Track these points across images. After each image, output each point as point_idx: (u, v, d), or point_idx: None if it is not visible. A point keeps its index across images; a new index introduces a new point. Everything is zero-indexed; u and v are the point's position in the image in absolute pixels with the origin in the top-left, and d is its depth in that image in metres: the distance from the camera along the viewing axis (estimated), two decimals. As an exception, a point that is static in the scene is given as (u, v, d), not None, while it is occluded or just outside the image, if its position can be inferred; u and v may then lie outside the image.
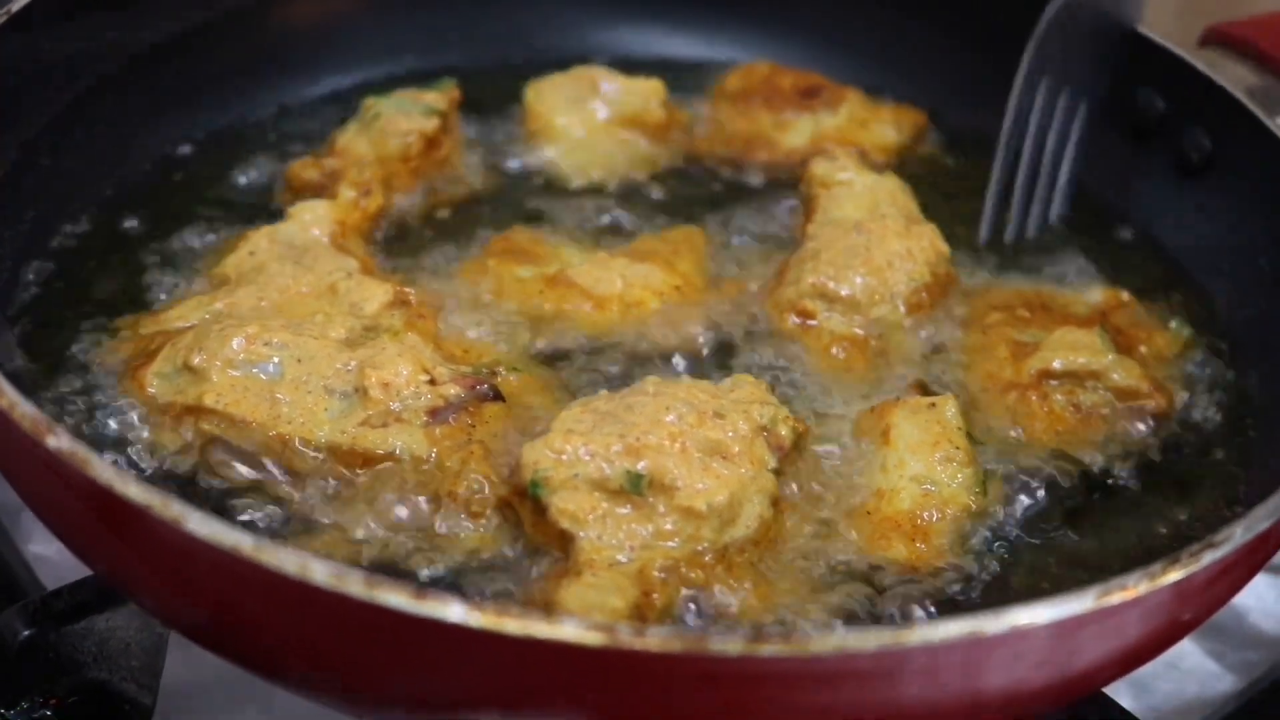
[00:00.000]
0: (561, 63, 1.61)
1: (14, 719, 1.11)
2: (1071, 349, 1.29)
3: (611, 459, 1.10)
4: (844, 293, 1.33)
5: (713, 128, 1.59)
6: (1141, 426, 1.29)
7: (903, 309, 1.34)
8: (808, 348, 1.32)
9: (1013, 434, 1.27)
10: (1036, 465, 1.25)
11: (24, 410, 0.99)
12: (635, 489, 1.10)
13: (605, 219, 1.48)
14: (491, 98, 1.60)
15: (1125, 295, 1.40)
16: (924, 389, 1.28)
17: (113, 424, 1.20)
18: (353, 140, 1.46)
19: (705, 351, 1.33)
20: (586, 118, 1.54)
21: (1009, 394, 1.29)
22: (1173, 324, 1.40)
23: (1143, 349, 1.35)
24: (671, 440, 1.11)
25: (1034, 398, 1.28)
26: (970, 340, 1.35)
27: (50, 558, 1.34)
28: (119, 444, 1.19)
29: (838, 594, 1.13)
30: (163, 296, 1.34)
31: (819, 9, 1.68)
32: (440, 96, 1.51)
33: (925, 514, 1.16)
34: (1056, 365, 1.29)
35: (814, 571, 1.14)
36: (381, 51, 1.63)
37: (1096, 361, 1.29)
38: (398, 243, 1.43)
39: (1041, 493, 1.23)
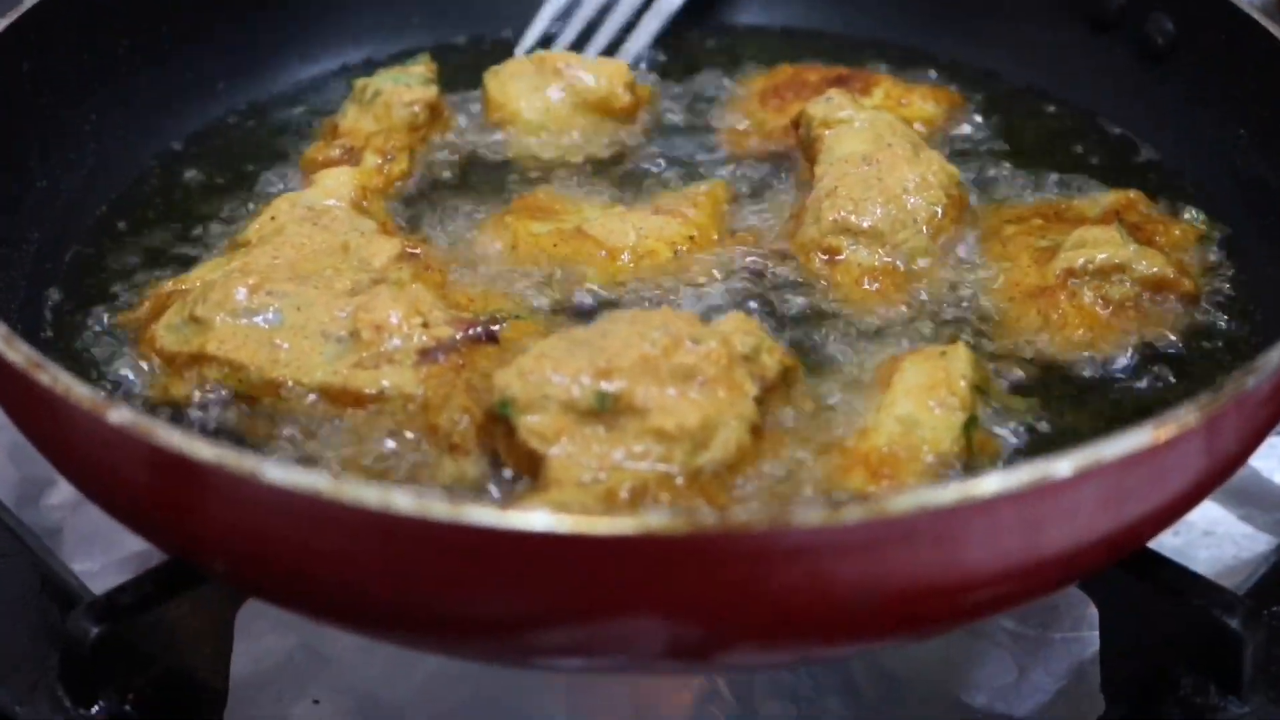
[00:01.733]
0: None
1: (95, 716, 1.11)
2: (1093, 245, 1.31)
3: (581, 380, 1.11)
4: (865, 225, 1.34)
5: (738, 125, 1.58)
6: (1171, 312, 1.31)
7: (925, 232, 1.35)
8: (838, 284, 1.33)
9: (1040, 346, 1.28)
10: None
11: (81, 392, 1.00)
12: (603, 408, 1.10)
13: (617, 181, 1.50)
14: (470, 70, 1.63)
15: (1134, 193, 1.43)
16: (954, 340, 1.27)
17: (127, 378, 1.25)
18: (357, 120, 1.50)
19: (723, 295, 1.34)
20: (548, 104, 1.54)
21: (1038, 298, 1.31)
22: (1187, 214, 1.42)
23: (1160, 240, 1.38)
24: (643, 363, 1.12)
25: (1063, 297, 1.30)
26: (991, 254, 1.37)
27: (95, 573, 1.35)
28: (133, 398, 1.23)
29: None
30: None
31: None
32: (426, 69, 1.55)
33: (896, 451, 1.15)
34: (1080, 263, 1.31)
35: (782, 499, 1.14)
36: (350, 38, 1.67)
37: (1119, 254, 1.31)
38: (415, 205, 1.46)
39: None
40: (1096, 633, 1.20)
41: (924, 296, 1.33)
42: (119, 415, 0.98)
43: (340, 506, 0.92)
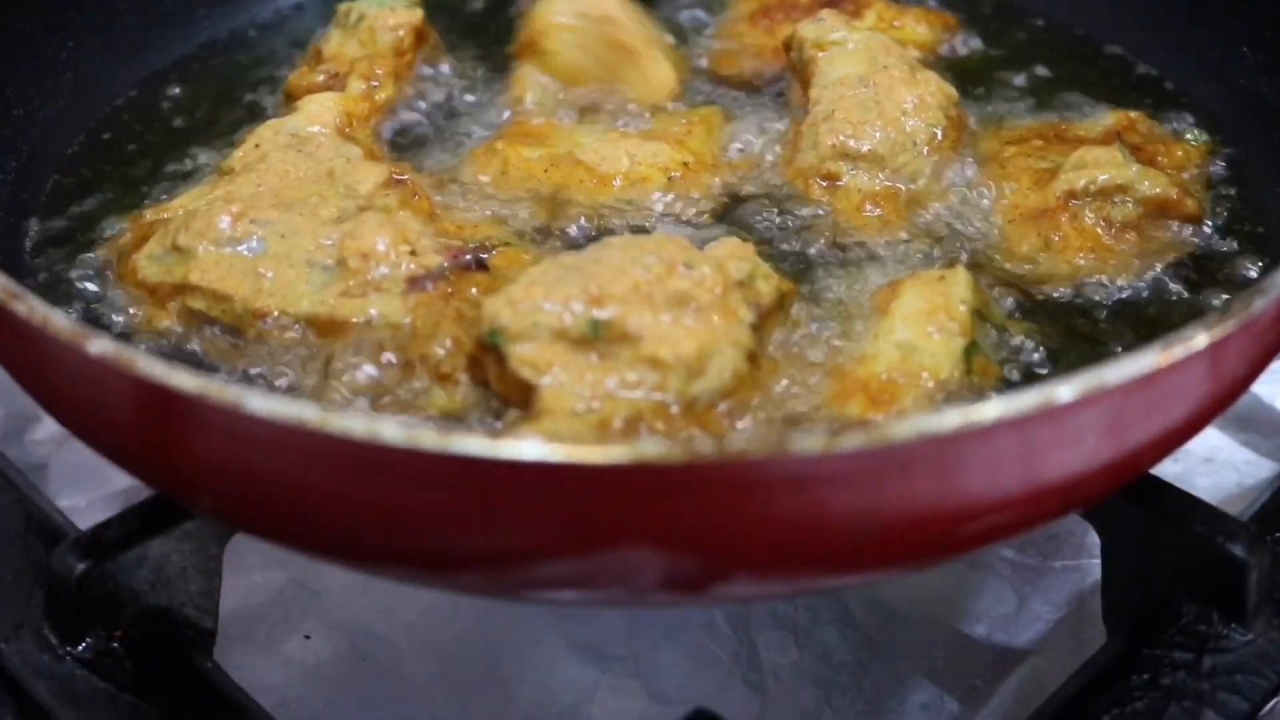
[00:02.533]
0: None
1: (82, 654, 1.09)
2: (1094, 166, 1.29)
3: (572, 307, 1.08)
4: (865, 149, 1.31)
5: (728, 47, 1.54)
6: (1174, 235, 1.29)
7: (925, 155, 1.32)
8: (838, 210, 1.31)
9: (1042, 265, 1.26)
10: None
11: (59, 322, 0.97)
12: (596, 336, 1.08)
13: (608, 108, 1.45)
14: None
15: (1135, 114, 1.40)
16: (953, 264, 1.24)
17: (109, 311, 1.23)
18: (341, 45, 1.47)
19: (717, 221, 1.31)
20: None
21: (1039, 221, 1.28)
22: (1189, 134, 1.39)
23: (1162, 160, 1.34)
24: (636, 290, 1.09)
25: (1064, 219, 1.28)
26: (990, 176, 1.34)
27: (81, 509, 1.33)
28: (116, 331, 1.21)
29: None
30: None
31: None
32: (409, -10, 1.51)
33: (895, 378, 1.13)
34: (1081, 184, 1.28)
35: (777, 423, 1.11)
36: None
37: (1121, 175, 1.28)
38: (402, 131, 1.42)
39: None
40: (1097, 561, 1.19)
41: (923, 220, 1.30)
42: (98, 346, 0.95)
43: (326, 437, 0.90)
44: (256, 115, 1.45)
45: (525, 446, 0.88)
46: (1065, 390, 0.92)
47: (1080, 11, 1.57)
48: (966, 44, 1.54)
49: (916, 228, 1.30)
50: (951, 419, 0.90)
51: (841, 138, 1.32)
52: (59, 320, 0.98)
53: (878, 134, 1.32)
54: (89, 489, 1.36)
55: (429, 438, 0.88)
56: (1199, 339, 0.97)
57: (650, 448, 0.88)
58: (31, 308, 0.99)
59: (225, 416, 0.92)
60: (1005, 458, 0.95)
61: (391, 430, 0.89)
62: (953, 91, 1.36)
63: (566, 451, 0.88)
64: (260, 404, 0.91)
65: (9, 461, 1.29)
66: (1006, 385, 1.16)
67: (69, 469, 1.38)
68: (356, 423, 0.89)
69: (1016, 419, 0.92)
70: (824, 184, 1.32)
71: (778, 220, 1.31)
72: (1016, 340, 1.20)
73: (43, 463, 1.39)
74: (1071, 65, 1.52)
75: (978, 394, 1.14)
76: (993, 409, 0.91)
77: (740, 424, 1.10)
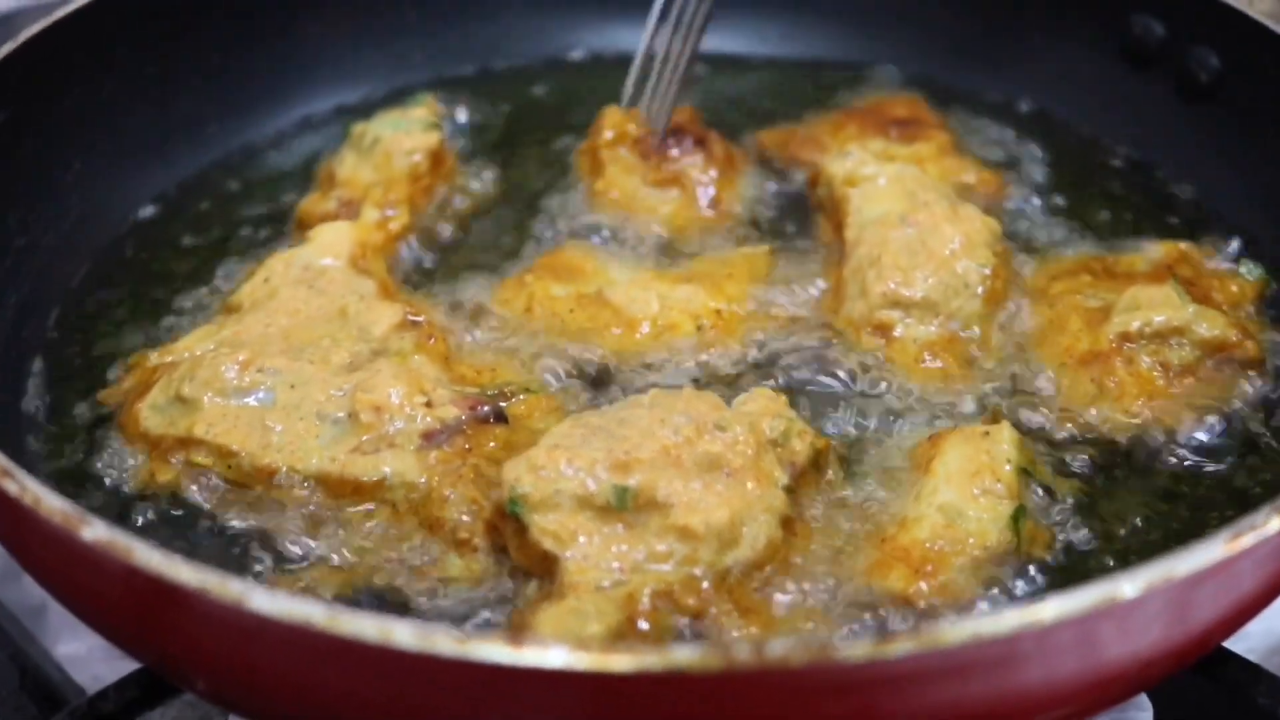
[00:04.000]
0: (544, 62, 1.58)
1: (77, 837, 1.03)
2: (1149, 306, 1.22)
3: (597, 474, 1.02)
4: (919, 296, 1.24)
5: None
6: (1233, 377, 1.22)
7: (980, 294, 1.25)
8: (895, 362, 1.23)
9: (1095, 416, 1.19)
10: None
11: (51, 504, 0.92)
12: (623, 505, 1.02)
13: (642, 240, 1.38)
14: (474, 105, 1.56)
15: (1185, 245, 1.32)
16: (996, 417, 1.17)
17: (109, 464, 1.17)
18: (355, 170, 1.40)
19: (747, 371, 1.24)
20: None
21: (1092, 366, 1.21)
22: (1242, 268, 1.32)
23: (1217, 296, 1.27)
24: (665, 454, 1.03)
25: (1119, 364, 1.20)
26: (1040, 315, 1.26)
27: (81, 657, 1.27)
28: (115, 487, 1.16)
29: (841, 625, 1.03)
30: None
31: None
32: (428, 111, 1.45)
33: (939, 546, 1.06)
34: (1136, 326, 1.21)
35: (816, 600, 1.05)
36: (348, 74, 1.58)
37: (1178, 316, 1.21)
38: (418, 262, 1.36)
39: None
40: (1145, 714, 1.12)
41: (986, 371, 1.23)
42: (93, 532, 0.90)
43: (335, 639, 0.84)
44: (267, 240, 1.39)
45: (549, 653, 0.82)
46: (1129, 586, 0.86)
47: (1125, 130, 1.51)
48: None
49: (980, 383, 1.22)
50: (1008, 620, 0.84)
51: (892, 285, 1.24)
52: (52, 502, 0.92)
53: (930, 279, 1.24)
54: (89, 634, 1.28)
55: (446, 643, 0.82)
56: (1271, 523, 0.90)
57: (684, 654, 0.82)
58: (24, 487, 0.93)
59: (227, 611, 0.86)
60: (1065, 655, 0.89)
61: (405, 634, 0.83)
62: (996, 225, 1.29)
63: (594, 659, 0.82)
64: (265, 602, 0.85)
65: (5, 609, 1.23)
66: (1057, 552, 1.09)
67: (68, 613, 1.31)
68: (368, 624, 0.84)
69: (1078, 617, 0.85)
70: (877, 335, 1.24)
71: (811, 370, 1.24)
72: (1067, 499, 1.13)
73: (40, 605, 1.32)
74: (1114, 186, 1.46)
75: (1025, 562, 1.07)
76: (1052, 608, 0.85)
77: (774, 598, 1.03)
